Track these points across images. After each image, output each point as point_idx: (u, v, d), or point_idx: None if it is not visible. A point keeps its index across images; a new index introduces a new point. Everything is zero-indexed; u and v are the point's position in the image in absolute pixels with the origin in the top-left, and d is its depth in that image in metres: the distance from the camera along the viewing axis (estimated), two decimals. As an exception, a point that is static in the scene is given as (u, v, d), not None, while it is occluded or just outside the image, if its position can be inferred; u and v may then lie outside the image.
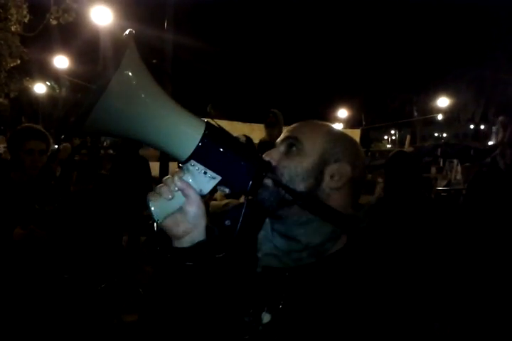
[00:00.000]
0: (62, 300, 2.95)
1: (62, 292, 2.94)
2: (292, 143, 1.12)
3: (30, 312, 2.76)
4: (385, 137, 42.55)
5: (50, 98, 21.65)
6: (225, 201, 4.15)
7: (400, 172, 3.02)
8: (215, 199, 5.53)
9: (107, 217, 4.04)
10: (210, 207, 5.06)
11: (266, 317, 1.08)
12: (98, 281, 3.81)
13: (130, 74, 0.92)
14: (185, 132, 1.00)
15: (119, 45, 0.92)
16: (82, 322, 3.34)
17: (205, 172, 1.03)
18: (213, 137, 1.01)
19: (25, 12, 11.40)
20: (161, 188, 1.02)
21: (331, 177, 1.10)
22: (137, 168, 6.08)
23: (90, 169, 4.42)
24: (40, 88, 19.88)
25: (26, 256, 2.76)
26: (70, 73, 18.36)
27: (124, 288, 4.47)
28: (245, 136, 4.08)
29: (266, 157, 1.11)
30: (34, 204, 2.87)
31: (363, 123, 30.59)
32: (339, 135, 1.16)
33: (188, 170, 1.03)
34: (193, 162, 1.02)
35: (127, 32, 0.94)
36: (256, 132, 5.04)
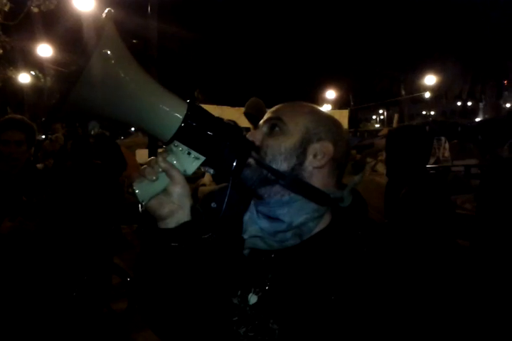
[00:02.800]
0: (51, 292, 2.94)
1: (50, 284, 2.93)
2: (275, 124, 1.13)
3: (20, 305, 2.76)
4: (374, 117, 42.57)
5: (36, 87, 21.40)
6: (218, 187, 4.15)
7: (403, 149, 2.78)
8: (204, 185, 5.53)
9: (98, 206, 4.03)
10: (200, 192, 5.06)
11: (253, 299, 1.09)
12: (84, 272, 3.82)
13: (109, 53, 0.92)
14: (168, 112, 1.00)
15: (98, 24, 0.92)
16: (71, 314, 3.35)
17: (188, 153, 1.03)
18: (196, 117, 1.01)
19: (5, 0, 11.18)
20: (145, 170, 1.02)
21: (314, 156, 1.10)
22: (113, 154, 6.30)
23: (84, 159, 4.38)
24: (24, 78, 19.60)
25: (15, 248, 2.76)
26: (54, 62, 18.10)
27: (111, 275, 4.48)
28: (233, 121, 4.06)
29: (249, 137, 1.11)
30: (21, 195, 2.85)
31: (351, 103, 30.60)
32: (322, 115, 1.16)
33: (171, 150, 1.03)
34: (176, 143, 1.02)
35: (106, 11, 0.94)
36: (244, 116, 5.05)
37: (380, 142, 9.54)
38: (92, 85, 0.90)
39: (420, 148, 2.81)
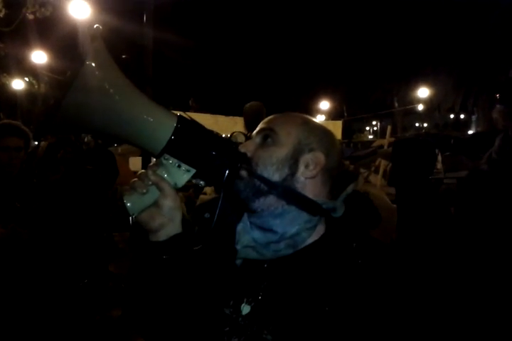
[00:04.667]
0: (45, 298, 2.92)
1: (45, 290, 2.91)
2: (267, 135, 1.13)
3: (14, 310, 2.74)
4: (367, 128, 42.66)
5: (29, 94, 21.32)
6: (211, 197, 4.12)
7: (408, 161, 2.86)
8: (205, 194, 5.49)
9: (89, 212, 4.00)
10: (200, 200, 5.02)
11: (245, 309, 1.09)
12: (80, 277, 3.78)
13: (97, 68, 0.92)
14: (157, 126, 1.00)
15: (86, 40, 0.92)
16: (65, 320, 3.31)
17: (179, 166, 1.03)
18: (185, 130, 1.01)
19: (0, 6, 11.15)
20: (135, 183, 1.02)
21: (306, 166, 1.11)
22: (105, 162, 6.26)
23: (75, 165, 4.35)
24: (18, 84, 19.54)
25: (7, 255, 2.73)
26: (48, 68, 18.07)
27: (105, 283, 4.44)
28: (243, 133, 4.04)
29: (242, 148, 1.11)
30: (15, 202, 2.83)
31: (345, 114, 30.65)
32: (314, 125, 1.17)
33: (162, 163, 1.03)
34: (166, 156, 1.02)
35: (95, 27, 0.95)
36: (239, 125, 5.04)
37: (384, 151, 9.57)
38: (80, 100, 0.91)
39: (426, 159, 2.89)
